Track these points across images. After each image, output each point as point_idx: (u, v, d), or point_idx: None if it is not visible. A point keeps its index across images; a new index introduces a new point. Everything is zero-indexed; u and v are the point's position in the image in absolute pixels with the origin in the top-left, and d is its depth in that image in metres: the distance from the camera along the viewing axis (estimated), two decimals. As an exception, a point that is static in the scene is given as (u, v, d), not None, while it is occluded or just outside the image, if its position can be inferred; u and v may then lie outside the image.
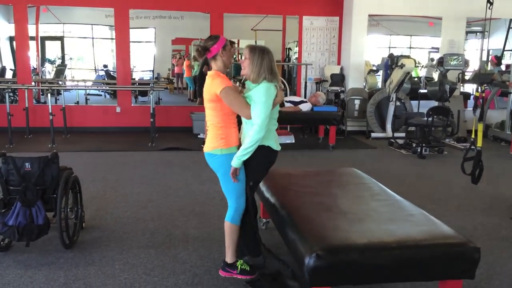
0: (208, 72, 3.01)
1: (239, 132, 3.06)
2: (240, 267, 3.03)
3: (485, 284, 3.05)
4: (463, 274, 2.44)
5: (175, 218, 4.22)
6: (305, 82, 9.20)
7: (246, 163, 2.95)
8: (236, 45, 7.60)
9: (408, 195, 4.71)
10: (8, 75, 11.79)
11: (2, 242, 3.42)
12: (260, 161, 2.99)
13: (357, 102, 8.90)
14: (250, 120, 2.86)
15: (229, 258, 3.05)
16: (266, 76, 2.86)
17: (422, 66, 11.83)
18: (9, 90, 7.52)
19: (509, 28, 10.85)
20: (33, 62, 11.20)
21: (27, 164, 3.34)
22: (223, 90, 2.82)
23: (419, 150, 7.06)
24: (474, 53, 12.72)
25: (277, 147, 3.03)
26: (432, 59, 11.29)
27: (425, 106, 8.27)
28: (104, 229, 3.92)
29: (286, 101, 7.50)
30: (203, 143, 3.13)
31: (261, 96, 2.81)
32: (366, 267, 2.33)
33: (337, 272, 2.32)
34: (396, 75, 8.13)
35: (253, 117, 2.81)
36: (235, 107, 2.87)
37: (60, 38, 16.10)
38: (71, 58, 15.84)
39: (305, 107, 7.49)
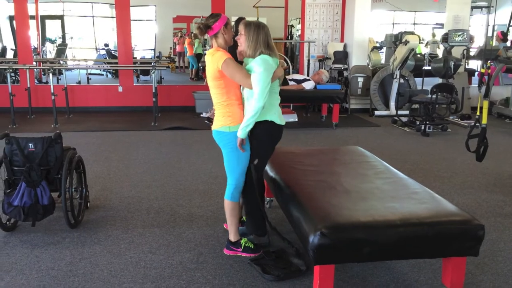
0: (207, 51, 2.99)
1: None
2: (244, 245, 3.05)
3: (489, 261, 3.06)
4: (467, 251, 2.45)
5: (179, 197, 4.24)
6: (308, 60, 9.11)
7: (250, 140, 2.96)
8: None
9: (412, 173, 4.74)
10: (9, 55, 11.73)
11: (8, 222, 3.44)
12: (263, 136, 2.98)
13: (360, 79, 8.84)
14: (251, 95, 2.86)
15: (232, 236, 3.07)
16: (262, 51, 2.86)
17: (427, 43, 11.69)
18: (11, 70, 7.48)
19: (515, 3, 10.66)
20: (34, 41, 11.11)
21: (30, 144, 3.34)
22: (225, 62, 2.83)
23: (422, 127, 7.03)
24: (479, 29, 12.52)
25: (281, 122, 3.01)
26: (433, 35, 11.16)
27: (429, 83, 8.21)
28: (109, 208, 3.94)
29: (289, 79, 7.45)
30: (207, 119, 3.13)
31: (258, 67, 2.81)
32: (370, 244, 2.33)
33: (341, 250, 2.33)
34: (400, 52, 8.04)
35: (253, 87, 2.81)
36: (237, 77, 2.86)
37: (60, 17, 15.97)
38: (71, 37, 15.75)
39: (308, 85, 7.43)
